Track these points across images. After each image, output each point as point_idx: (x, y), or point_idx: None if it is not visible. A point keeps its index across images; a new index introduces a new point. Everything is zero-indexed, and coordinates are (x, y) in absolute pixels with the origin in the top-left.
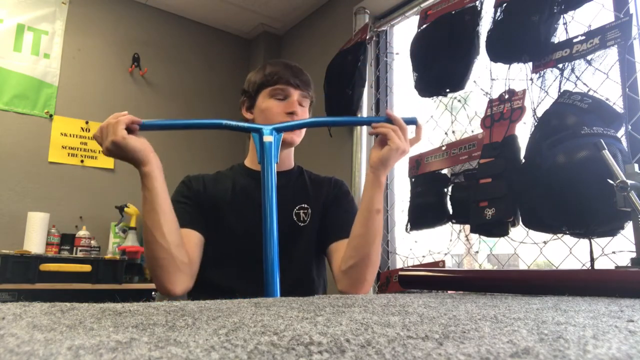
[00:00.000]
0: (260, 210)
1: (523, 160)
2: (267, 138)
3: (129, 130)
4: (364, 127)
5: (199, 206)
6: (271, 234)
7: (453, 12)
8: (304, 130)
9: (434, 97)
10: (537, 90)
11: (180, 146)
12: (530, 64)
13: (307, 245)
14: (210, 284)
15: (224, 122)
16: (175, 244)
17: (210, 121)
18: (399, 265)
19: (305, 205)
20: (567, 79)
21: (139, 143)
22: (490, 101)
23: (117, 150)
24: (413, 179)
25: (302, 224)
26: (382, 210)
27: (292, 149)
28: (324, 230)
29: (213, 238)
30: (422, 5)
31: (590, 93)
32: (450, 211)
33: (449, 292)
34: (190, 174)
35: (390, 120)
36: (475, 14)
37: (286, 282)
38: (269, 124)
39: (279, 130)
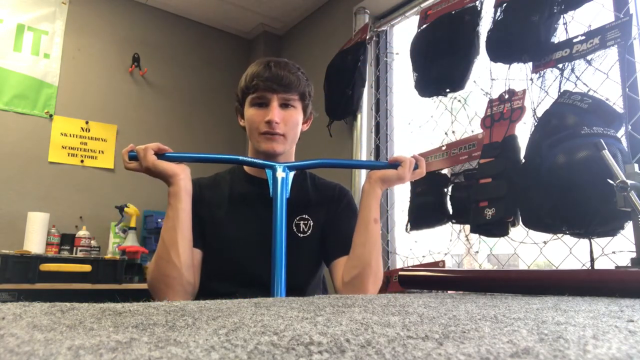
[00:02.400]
0: (259, 219)
1: (523, 160)
2: (280, 174)
3: (159, 155)
4: (364, 123)
5: (196, 215)
6: (280, 262)
7: (453, 12)
8: (294, 135)
9: (434, 97)
10: (537, 90)
11: (180, 146)
12: (530, 64)
13: (308, 255)
14: (207, 291)
15: (241, 158)
16: (187, 264)
17: (228, 157)
18: (399, 265)
19: (306, 217)
20: (567, 79)
21: (168, 166)
22: (490, 101)
23: (150, 172)
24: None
25: (302, 235)
26: (379, 220)
27: (292, 150)
28: (327, 243)
29: (210, 246)
30: (422, 5)
31: (590, 93)
32: (450, 211)
33: (449, 292)
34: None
35: (392, 165)
36: (475, 14)
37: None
38: (282, 162)
39: (291, 169)
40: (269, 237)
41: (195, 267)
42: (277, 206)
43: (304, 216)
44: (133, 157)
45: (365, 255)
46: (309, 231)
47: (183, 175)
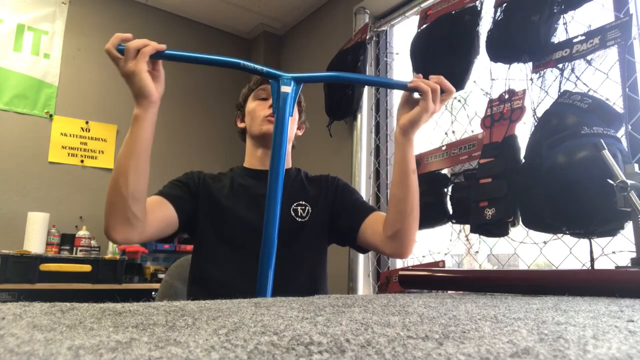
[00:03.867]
0: (259, 205)
1: (523, 160)
2: (285, 89)
3: (154, 55)
4: (364, 123)
5: (194, 196)
6: (275, 200)
7: (453, 12)
8: (291, 128)
9: None
10: (537, 90)
11: (178, 146)
12: (530, 64)
13: (306, 240)
14: (207, 277)
15: (242, 62)
16: (134, 197)
17: (228, 59)
18: (399, 265)
19: (303, 202)
20: (567, 79)
21: (149, 84)
22: (490, 101)
23: (127, 79)
24: None
25: (300, 220)
26: (416, 169)
27: (289, 150)
28: (343, 220)
29: (210, 231)
30: (422, 5)
31: (590, 93)
32: (450, 211)
33: (449, 292)
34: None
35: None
36: (475, 14)
37: (288, 278)
38: (288, 74)
39: (298, 81)
40: None
41: (156, 213)
42: (278, 125)
43: (301, 202)
44: (120, 50)
45: (407, 210)
46: (307, 216)
47: (156, 102)
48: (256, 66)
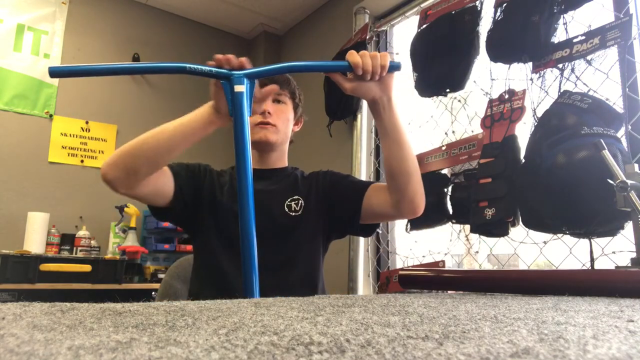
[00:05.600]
0: (255, 203)
1: (523, 160)
2: (239, 88)
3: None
4: (364, 123)
5: (197, 184)
6: (247, 198)
7: (453, 12)
8: (285, 129)
9: (434, 97)
10: (537, 90)
11: None
12: (530, 64)
13: (302, 234)
14: (207, 267)
15: (188, 66)
16: (154, 161)
17: (171, 65)
18: (399, 265)
19: (297, 197)
20: (567, 79)
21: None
22: (490, 101)
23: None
24: None
25: (294, 214)
26: (402, 130)
27: (285, 148)
28: (344, 204)
29: (211, 222)
30: (422, 5)
31: (590, 93)
32: (450, 211)
33: (449, 292)
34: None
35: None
36: (475, 14)
37: (284, 272)
38: (239, 71)
39: (250, 77)
40: (263, 219)
41: (154, 180)
42: (238, 127)
43: (294, 197)
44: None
45: (410, 167)
46: (301, 210)
47: (223, 119)
48: (203, 67)
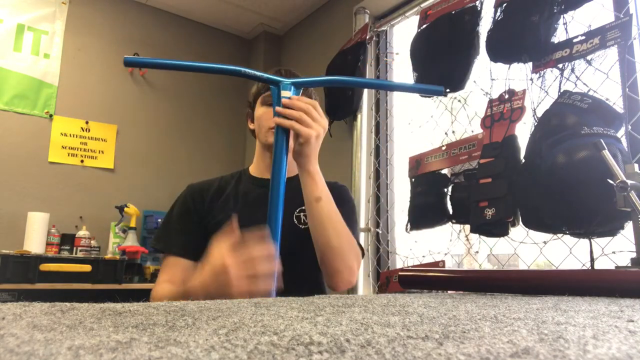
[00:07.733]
0: (265, 220)
1: (523, 160)
2: (285, 93)
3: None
4: (364, 123)
5: (199, 221)
6: (277, 200)
7: (453, 12)
8: None
9: (434, 97)
10: (537, 90)
11: (178, 146)
12: (530, 64)
13: (308, 247)
14: None
15: (243, 69)
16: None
17: (230, 67)
18: (399, 265)
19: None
20: (567, 79)
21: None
22: (490, 101)
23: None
24: (413, 179)
25: (302, 227)
26: (323, 197)
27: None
28: None
29: (212, 230)
30: (422, 5)
31: (590, 93)
32: (450, 211)
33: (449, 292)
34: (193, 182)
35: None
36: (475, 14)
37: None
38: (288, 79)
39: (297, 86)
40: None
41: (177, 274)
42: (279, 132)
43: (303, 208)
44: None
45: (320, 241)
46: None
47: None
48: (256, 73)
